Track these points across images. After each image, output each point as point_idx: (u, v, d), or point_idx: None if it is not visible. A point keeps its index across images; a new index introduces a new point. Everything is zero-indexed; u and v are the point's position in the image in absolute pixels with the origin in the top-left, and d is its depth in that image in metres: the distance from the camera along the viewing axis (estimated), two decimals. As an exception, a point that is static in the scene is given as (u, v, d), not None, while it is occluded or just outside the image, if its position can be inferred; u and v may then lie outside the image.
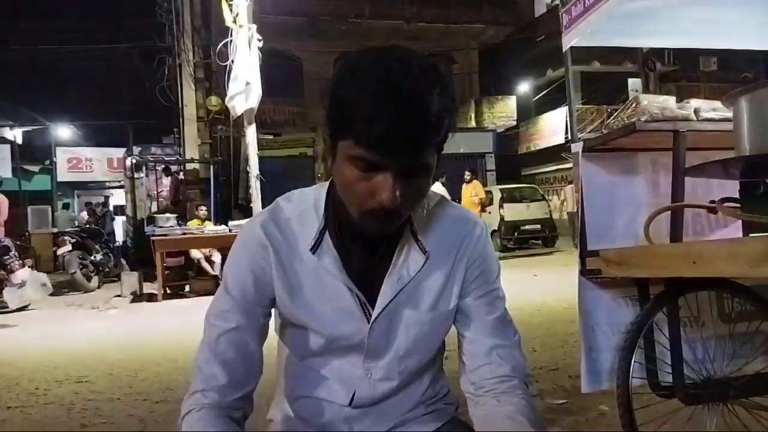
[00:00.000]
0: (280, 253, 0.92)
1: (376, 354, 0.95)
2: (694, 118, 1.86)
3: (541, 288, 6.77)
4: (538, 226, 12.52)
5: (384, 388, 0.96)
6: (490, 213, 12.41)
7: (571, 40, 2.06)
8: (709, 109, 1.89)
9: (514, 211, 12.46)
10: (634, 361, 1.80)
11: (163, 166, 12.40)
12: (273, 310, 0.97)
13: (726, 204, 1.59)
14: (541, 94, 17.59)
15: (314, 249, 0.91)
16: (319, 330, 0.93)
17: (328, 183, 0.94)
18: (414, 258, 0.93)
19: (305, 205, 0.94)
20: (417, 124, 0.74)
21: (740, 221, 1.57)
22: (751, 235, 1.48)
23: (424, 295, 0.94)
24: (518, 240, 12.43)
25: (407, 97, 0.73)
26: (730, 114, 1.56)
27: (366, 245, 0.92)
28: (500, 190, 13.23)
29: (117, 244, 11.61)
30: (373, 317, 0.92)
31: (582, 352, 1.95)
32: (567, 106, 2.14)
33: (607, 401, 2.37)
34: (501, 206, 12.47)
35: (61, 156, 16.39)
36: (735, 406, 1.80)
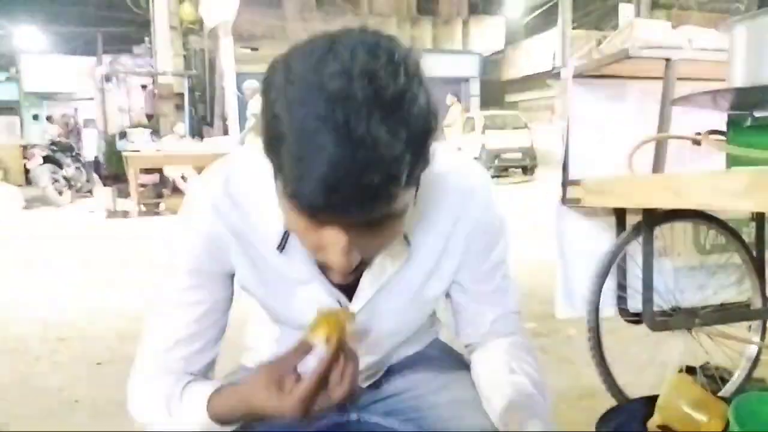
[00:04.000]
0: (240, 238, 0.78)
1: (358, 338, 0.86)
2: (688, 47, 1.80)
3: (517, 214, 6.86)
4: (519, 155, 12.49)
5: (369, 360, 0.92)
6: (471, 139, 12.34)
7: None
8: (703, 37, 1.82)
9: (496, 139, 12.37)
10: (607, 288, 1.84)
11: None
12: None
13: (712, 136, 1.56)
14: (531, 16, 17.06)
15: (282, 247, 0.76)
16: (291, 319, 0.85)
17: None
18: (397, 251, 0.79)
19: (266, 179, 0.65)
20: (363, 173, 0.51)
21: (725, 155, 1.56)
22: (734, 167, 1.47)
23: (407, 285, 0.83)
24: (498, 168, 12.43)
25: (349, 135, 0.50)
26: (724, 44, 1.51)
27: None
28: (483, 116, 13.06)
29: (88, 159, 11.28)
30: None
31: (558, 279, 1.99)
32: (556, 30, 2.05)
33: (576, 325, 2.45)
34: (483, 133, 12.37)
35: (27, 64, 15.58)
36: (699, 333, 1.87)
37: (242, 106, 6.89)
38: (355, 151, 0.50)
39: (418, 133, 0.54)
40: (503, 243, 0.89)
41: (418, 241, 0.80)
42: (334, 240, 0.58)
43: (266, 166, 0.61)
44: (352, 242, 0.59)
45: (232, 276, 0.83)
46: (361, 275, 0.79)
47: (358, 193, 0.52)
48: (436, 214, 0.80)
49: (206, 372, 0.85)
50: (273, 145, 0.55)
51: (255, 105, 6.89)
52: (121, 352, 2.69)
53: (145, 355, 0.82)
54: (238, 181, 0.76)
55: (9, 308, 3.50)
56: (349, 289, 0.80)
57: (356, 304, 0.81)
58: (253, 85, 6.96)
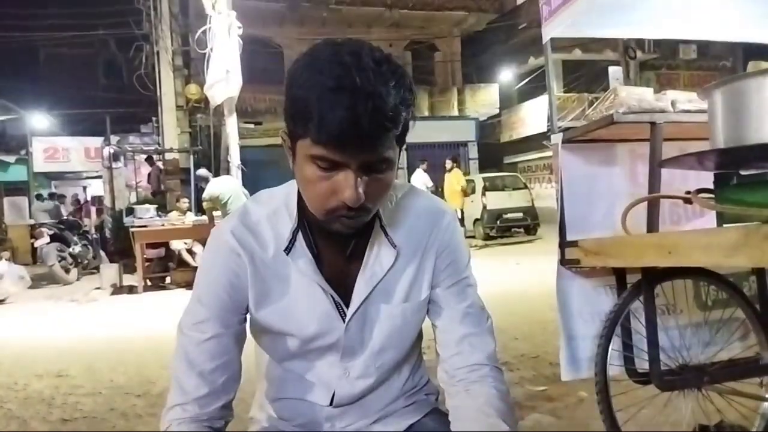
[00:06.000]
0: (254, 258, 0.90)
1: (353, 352, 0.95)
2: (671, 110, 1.88)
3: (522, 276, 6.84)
4: (521, 215, 12.57)
5: (363, 385, 0.97)
6: (472, 201, 12.45)
7: (551, 31, 2.06)
8: (685, 100, 1.91)
9: (497, 200, 12.48)
10: (612, 349, 1.83)
11: (146, 156, 12.23)
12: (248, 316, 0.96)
13: (701, 195, 1.61)
14: (523, 82, 17.64)
15: (288, 249, 0.90)
16: (295, 332, 0.93)
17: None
18: (385, 253, 0.93)
19: (275, 205, 0.93)
20: (373, 118, 0.72)
21: (715, 212, 1.60)
22: (724, 225, 1.51)
23: (396, 289, 0.94)
24: (500, 228, 12.49)
25: (360, 90, 0.71)
26: (705, 105, 1.58)
27: (337, 243, 0.92)
28: (483, 178, 13.24)
29: (95, 235, 11.41)
30: (348, 316, 0.92)
31: (562, 340, 1.98)
32: (547, 96, 2.15)
33: (586, 388, 2.41)
34: (483, 194, 12.51)
35: (37, 146, 16.00)
36: (710, 391, 1.84)
37: (246, 178, 7.02)
38: (366, 102, 0.71)
39: (406, 98, 0.76)
40: (470, 268, 1.01)
41: (402, 248, 0.94)
42: (346, 180, 0.77)
43: (276, 192, 0.94)
44: (357, 182, 0.77)
45: (245, 311, 0.93)
46: (354, 281, 0.92)
47: (368, 131, 0.73)
48: (415, 229, 0.96)
49: (226, 413, 0.92)
50: (298, 111, 0.75)
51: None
52: (125, 431, 2.64)
53: (174, 397, 0.89)
54: (251, 213, 0.93)
55: (12, 389, 3.46)
56: (344, 297, 0.92)
57: (353, 305, 0.92)
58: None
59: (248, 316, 0.95)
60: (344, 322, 0.92)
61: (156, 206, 8.60)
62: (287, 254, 0.90)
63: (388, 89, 0.73)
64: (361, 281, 0.92)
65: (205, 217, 8.04)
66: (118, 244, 10.54)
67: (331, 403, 0.97)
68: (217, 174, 7.79)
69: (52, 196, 13.39)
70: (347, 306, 0.92)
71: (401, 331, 0.97)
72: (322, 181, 0.78)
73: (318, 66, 0.74)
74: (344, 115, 0.71)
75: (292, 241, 0.90)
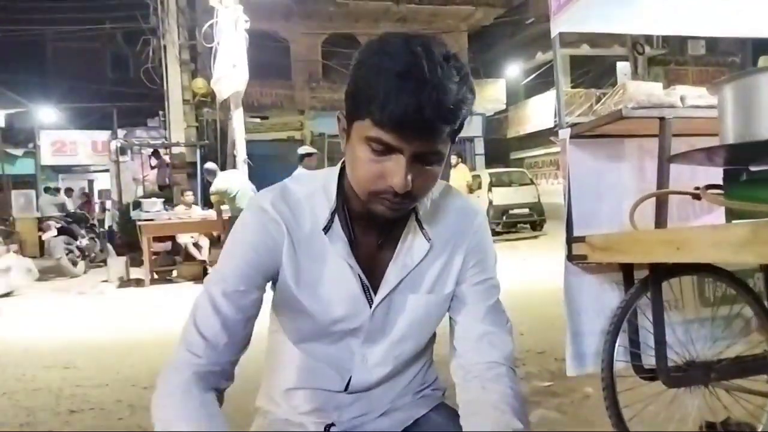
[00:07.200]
0: (291, 232, 0.91)
1: (374, 339, 0.96)
2: (680, 105, 1.86)
3: (529, 271, 6.83)
4: (527, 210, 12.55)
5: (379, 374, 0.98)
6: (479, 197, 12.42)
7: (559, 26, 2.05)
8: (695, 96, 1.89)
9: (503, 195, 12.47)
10: (618, 345, 1.83)
11: (152, 150, 12.27)
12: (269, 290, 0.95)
13: (710, 191, 1.60)
14: (530, 78, 17.57)
15: (326, 230, 0.91)
16: (321, 313, 0.93)
17: (338, 167, 0.94)
18: (418, 245, 0.95)
19: (314, 186, 0.94)
20: (436, 109, 0.74)
21: (724, 207, 1.59)
22: (733, 221, 1.50)
23: (424, 280, 0.96)
24: (506, 224, 12.47)
25: (429, 81, 0.73)
26: (715, 101, 1.57)
27: (371, 230, 0.93)
28: (489, 174, 13.22)
29: (102, 229, 11.48)
30: (375, 302, 0.94)
31: (568, 336, 1.98)
32: (555, 91, 2.14)
33: (592, 383, 2.41)
34: (490, 190, 12.49)
35: (45, 139, 16.10)
36: (717, 388, 1.83)
37: (252, 172, 7.04)
38: (431, 92, 0.73)
39: (467, 97, 0.78)
40: (495, 269, 1.03)
41: (435, 240, 0.96)
42: (397, 165, 0.78)
43: (315, 175, 0.96)
44: (408, 169, 0.78)
45: (270, 280, 0.93)
46: (385, 268, 0.93)
47: (429, 120, 0.74)
48: (448, 226, 0.98)
49: (230, 374, 0.89)
50: (363, 91, 0.77)
51: None
52: (132, 422, 2.66)
53: (187, 341, 0.87)
54: (291, 191, 0.94)
55: (20, 381, 3.49)
56: (374, 283, 0.93)
57: (381, 292, 0.93)
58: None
59: (267, 294, 0.94)
60: (371, 307, 0.94)
61: (163, 200, 8.62)
62: (326, 233, 0.91)
63: (453, 84, 0.75)
64: (392, 270, 0.94)
65: (211, 211, 8.08)
66: (125, 238, 10.61)
67: (346, 389, 0.97)
68: (223, 168, 7.80)
69: (60, 190, 13.48)
70: (375, 292, 0.94)
71: (422, 322, 0.98)
72: (373, 164, 0.79)
73: (389, 52, 0.75)
74: (409, 101, 0.73)
75: (330, 222, 0.91)
